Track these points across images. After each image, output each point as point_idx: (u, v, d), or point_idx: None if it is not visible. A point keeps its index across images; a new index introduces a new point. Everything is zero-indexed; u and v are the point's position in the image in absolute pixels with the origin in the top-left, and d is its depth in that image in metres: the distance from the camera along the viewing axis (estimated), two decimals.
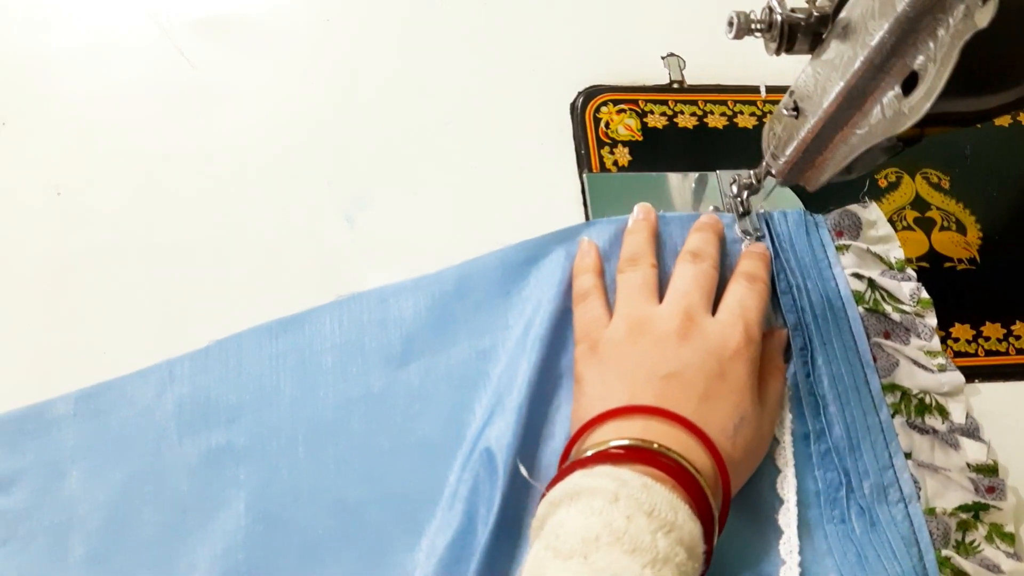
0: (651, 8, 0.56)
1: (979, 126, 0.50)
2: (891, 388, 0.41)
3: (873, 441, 0.40)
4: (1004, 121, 0.52)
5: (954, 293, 0.45)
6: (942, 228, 0.48)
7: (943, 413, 0.42)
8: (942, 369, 0.42)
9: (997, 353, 0.44)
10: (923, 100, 0.27)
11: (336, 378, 0.41)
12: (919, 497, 0.39)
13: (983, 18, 0.23)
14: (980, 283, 0.46)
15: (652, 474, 0.31)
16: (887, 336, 0.43)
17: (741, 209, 0.45)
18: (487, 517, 0.36)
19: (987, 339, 0.44)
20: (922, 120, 0.27)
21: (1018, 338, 0.45)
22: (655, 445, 0.32)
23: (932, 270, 0.46)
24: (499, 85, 0.53)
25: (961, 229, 0.48)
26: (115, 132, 0.50)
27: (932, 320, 0.43)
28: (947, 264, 0.47)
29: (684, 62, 0.54)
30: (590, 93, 0.51)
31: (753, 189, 0.43)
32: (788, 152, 0.36)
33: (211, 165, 0.48)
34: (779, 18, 0.32)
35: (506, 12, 0.56)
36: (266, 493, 0.38)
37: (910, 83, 0.27)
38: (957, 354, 0.44)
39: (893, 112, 0.29)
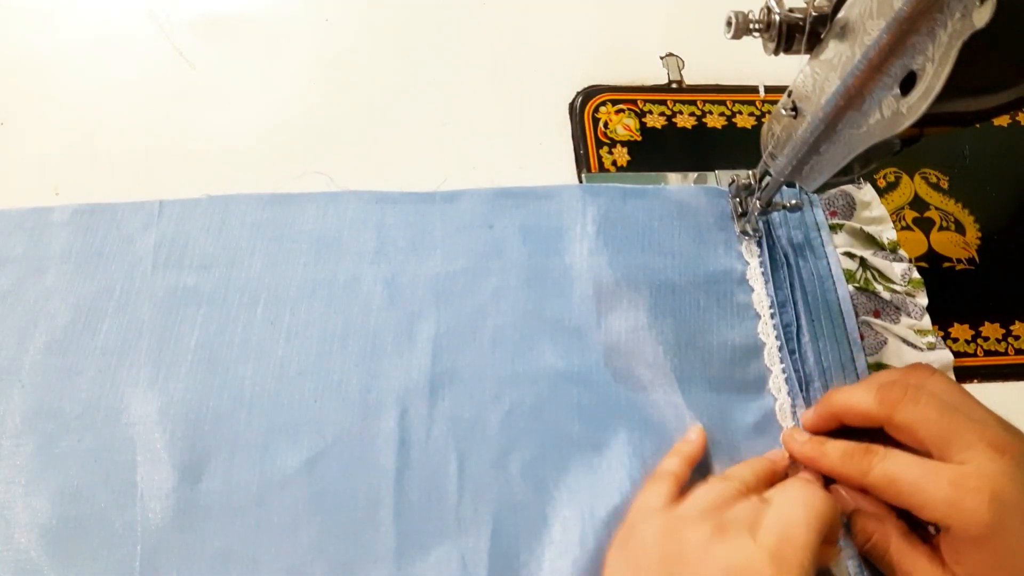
0: (650, 8, 0.56)
1: (978, 126, 0.50)
2: (877, 366, 0.42)
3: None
4: (1003, 121, 0.52)
5: (953, 293, 0.45)
6: (941, 228, 0.48)
7: None
8: (931, 347, 0.43)
9: (996, 353, 0.44)
10: (921, 100, 0.27)
11: (308, 258, 0.44)
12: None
13: (981, 18, 0.23)
14: (979, 283, 0.46)
15: None
16: (877, 315, 0.44)
17: (740, 209, 0.45)
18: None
19: (986, 339, 0.44)
20: (921, 120, 0.27)
21: (1017, 338, 0.45)
22: None
23: (931, 270, 0.46)
24: (498, 85, 0.53)
25: (960, 229, 0.48)
26: (114, 131, 0.50)
27: (923, 300, 0.44)
28: (946, 264, 0.47)
29: (683, 62, 0.54)
30: (589, 93, 0.51)
31: (752, 189, 0.43)
32: (787, 152, 0.36)
33: (210, 164, 0.48)
34: (777, 18, 0.32)
35: (505, 12, 0.56)
36: (217, 339, 0.41)
37: (908, 83, 0.27)
38: (956, 354, 0.44)
39: (891, 112, 0.29)
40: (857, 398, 0.37)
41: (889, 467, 0.34)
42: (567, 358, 0.41)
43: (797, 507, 0.33)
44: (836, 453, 0.36)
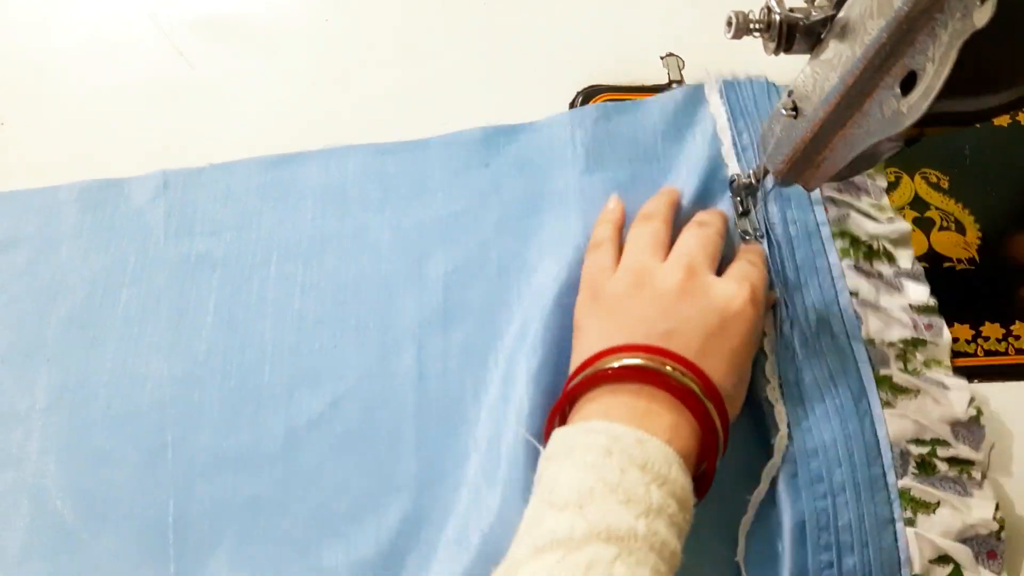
0: (650, 8, 0.56)
1: (978, 126, 0.50)
2: (841, 234, 0.44)
3: (821, 281, 0.42)
4: (1003, 121, 0.52)
5: (953, 293, 0.45)
6: (941, 228, 0.48)
7: (890, 258, 0.44)
8: (891, 221, 0.45)
9: (996, 353, 0.44)
10: (921, 100, 0.27)
11: (315, 213, 0.45)
12: (861, 330, 0.41)
13: (981, 18, 0.23)
14: (979, 283, 0.46)
15: (653, 399, 0.33)
16: (839, 191, 0.46)
17: (740, 209, 0.45)
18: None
19: (986, 339, 0.44)
20: (921, 120, 0.27)
21: (1017, 338, 0.45)
22: (667, 368, 0.33)
23: (931, 270, 0.46)
24: (499, 85, 0.53)
25: (960, 229, 0.48)
26: (114, 131, 0.50)
27: (883, 183, 0.47)
28: (946, 264, 0.47)
29: (683, 62, 0.54)
30: (589, 93, 0.51)
31: (751, 189, 0.43)
32: (786, 152, 0.36)
33: (210, 164, 0.48)
34: (778, 18, 0.32)
35: (506, 12, 0.56)
36: (235, 299, 0.43)
37: (908, 83, 0.27)
38: (956, 354, 0.44)
39: (892, 112, 0.29)
40: None
41: None
42: (569, 271, 0.42)
43: (754, 268, 0.39)
44: None
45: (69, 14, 0.54)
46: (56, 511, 0.38)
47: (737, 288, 0.37)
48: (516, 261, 0.44)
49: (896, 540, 0.37)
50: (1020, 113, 0.51)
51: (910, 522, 0.37)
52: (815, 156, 0.35)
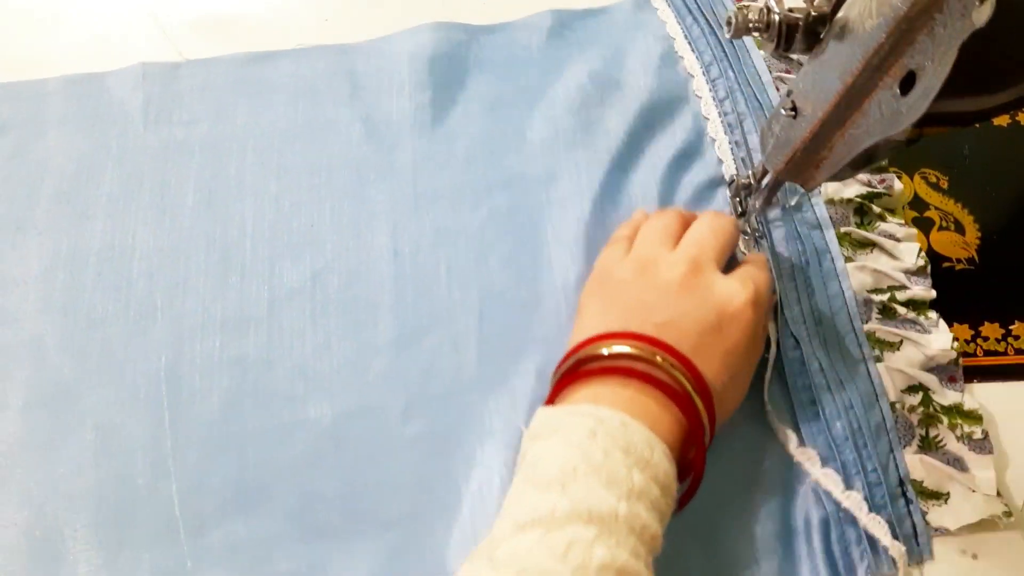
0: None
1: (977, 126, 0.50)
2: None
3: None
4: (1003, 121, 0.52)
5: (953, 293, 0.45)
6: (940, 228, 0.48)
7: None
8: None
9: (996, 353, 0.44)
10: (921, 100, 0.27)
11: (288, 108, 0.48)
12: (820, 192, 0.45)
13: (980, 17, 0.23)
14: (979, 283, 0.46)
15: (642, 388, 0.33)
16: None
17: (740, 209, 0.45)
18: None
19: (986, 339, 0.44)
20: (921, 120, 0.27)
21: (1017, 338, 0.45)
22: (657, 358, 0.33)
23: (931, 270, 0.46)
24: None
25: (960, 229, 0.48)
26: None
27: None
28: (946, 264, 0.46)
29: None
30: None
31: (751, 189, 0.43)
32: (786, 152, 0.36)
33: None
34: (777, 18, 0.32)
35: (505, 12, 0.55)
36: (214, 182, 0.45)
37: (908, 83, 0.27)
38: None
39: (891, 112, 0.29)
40: None
41: None
42: (534, 164, 0.46)
43: (762, 271, 0.39)
44: None
45: (69, 13, 0.54)
46: (55, 366, 0.40)
47: (739, 287, 0.36)
48: (482, 151, 0.47)
49: (870, 375, 0.41)
50: (1020, 113, 0.51)
51: (878, 359, 0.42)
52: (815, 156, 0.35)
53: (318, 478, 0.38)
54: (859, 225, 0.46)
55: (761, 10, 0.32)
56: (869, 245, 0.45)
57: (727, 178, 0.46)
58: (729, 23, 0.33)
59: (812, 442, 0.39)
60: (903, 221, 0.46)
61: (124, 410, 0.39)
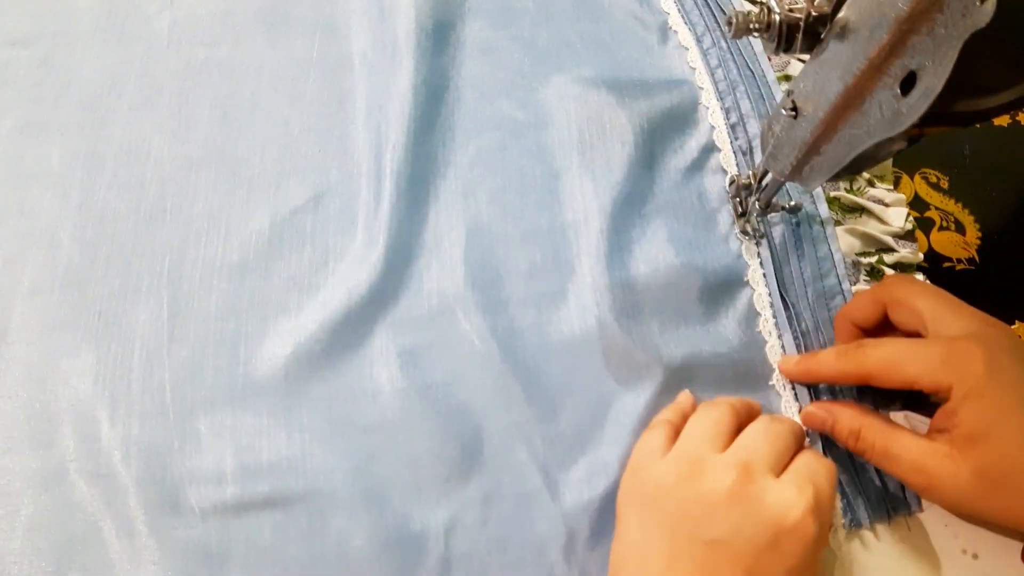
0: None
1: (978, 126, 0.50)
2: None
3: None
4: (1003, 121, 0.52)
5: (953, 293, 0.45)
6: (941, 228, 0.48)
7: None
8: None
9: None
10: (921, 100, 0.26)
11: (305, 40, 0.50)
12: None
13: (981, 18, 0.23)
14: (979, 283, 0.46)
15: None
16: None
17: (740, 209, 0.45)
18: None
19: None
20: (921, 120, 0.27)
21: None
22: None
23: (931, 270, 0.46)
24: None
25: (960, 229, 0.48)
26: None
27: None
28: (946, 264, 0.46)
29: None
30: None
31: (752, 189, 0.43)
32: (786, 152, 0.36)
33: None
34: (777, 18, 0.32)
35: None
36: (229, 100, 0.48)
37: (908, 83, 0.27)
38: None
39: (891, 112, 0.29)
40: (856, 300, 0.39)
41: (885, 349, 0.35)
42: (524, 108, 0.48)
43: (821, 465, 0.34)
44: (830, 356, 0.37)
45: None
46: (66, 255, 0.43)
47: (796, 496, 0.32)
48: (472, 94, 0.49)
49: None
50: (1020, 113, 0.51)
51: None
52: (815, 156, 0.35)
53: (304, 381, 0.40)
54: (848, 190, 0.47)
55: (761, 10, 0.32)
56: (858, 209, 0.46)
57: (727, 178, 0.46)
58: (730, 23, 0.33)
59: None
60: (891, 187, 0.47)
61: (127, 300, 0.42)
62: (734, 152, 0.47)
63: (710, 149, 0.47)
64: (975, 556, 0.38)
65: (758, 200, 0.43)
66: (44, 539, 0.37)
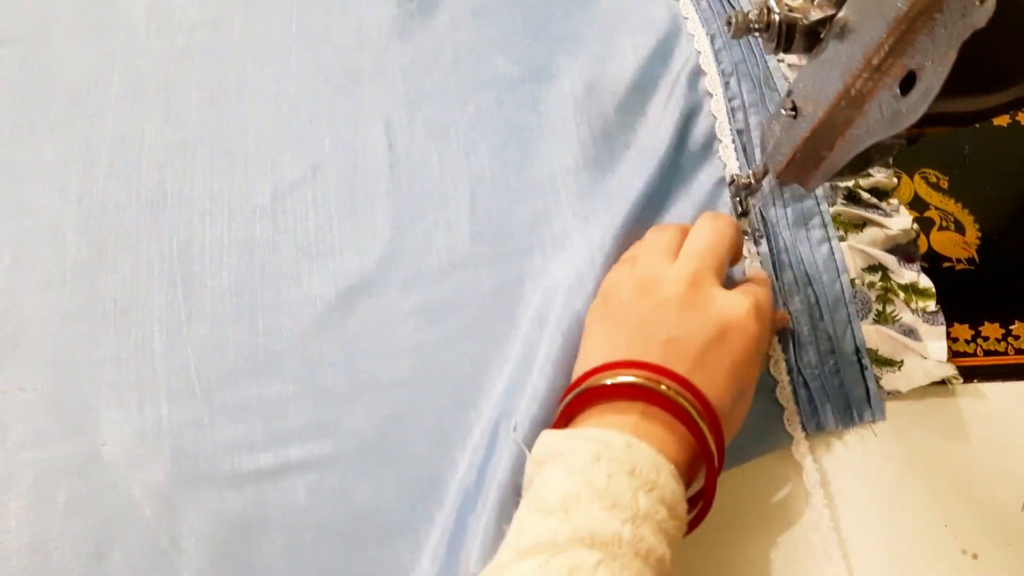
0: None
1: (978, 126, 0.50)
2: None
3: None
4: (1003, 121, 0.52)
5: (953, 293, 0.45)
6: (941, 228, 0.48)
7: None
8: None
9: (996, 353, 0.44)
10: (921, 100, 0.27)
11: (283, 18, 0.51)
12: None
13: (981, 18, 0.23)
14: (979, 283, 0.46)
15: (647, 413, 0.33)
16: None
17: (740, 209, 0.45)
18: None
19: (986, 339, 0.44)
20: (921, 120, 0.27)
21: (1017, 338, 0.45)
22: (662, 386, 0.33)
23: (931, 270, 0.46)
24: None
25: (960, 229, 0.48)
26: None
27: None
28: (946, 264, 0.46)
29: None
30: None
31: (751, 189, 0.43)
32: (786, 152, 0.36)
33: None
34: (777, 18, 0.32)
35: None
36: (215, 84, 0.48)
37: (908, 83, 0.27)
38: (956, 354, 0.44)
39: (891, 112, 0.29)
40: None
41: None
42: (518, 64, 0.49)
43: (764, 287, 0.39)
44: None
45: None
46: (72, 249, 0.44)
47: (740, 300, 0.36)
48: (468, 55, 0.50)
49: (832, 253, 0.44)
50: (1020, 113, 0.51)
51: (842, 239, 0.44)
52: (815, 156, 0.35)
53: (324, 346, 0.42)
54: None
55: (761, 10, 0.32)
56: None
57: (727, 178, 0.46)
58: (729, 23, 0.33)
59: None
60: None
61: (140, 286, 0.43)
62: (743, 186, 0.45)
63: (705, 95, 0.48)
64: (975, 556, 0.38)
65: (758, 200, 0.43)
66: (83, 523, 0.38)
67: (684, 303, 0.36)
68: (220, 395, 0.40)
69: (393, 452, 0.40)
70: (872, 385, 0.41)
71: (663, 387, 0.33)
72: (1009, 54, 0.28)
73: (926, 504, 0.40)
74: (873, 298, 0.44)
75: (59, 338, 0.41)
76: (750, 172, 0.43)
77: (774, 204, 0.45)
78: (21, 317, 0.42)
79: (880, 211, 0.46)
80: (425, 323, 0.42)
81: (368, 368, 0.41)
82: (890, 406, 0.42)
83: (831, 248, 0.44)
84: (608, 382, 0.34)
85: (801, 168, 0.37)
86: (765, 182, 0.42)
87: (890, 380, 0.42)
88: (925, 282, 0.44)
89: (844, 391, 0.41)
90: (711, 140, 0.47)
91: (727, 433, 0.35)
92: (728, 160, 0.46)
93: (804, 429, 0.41)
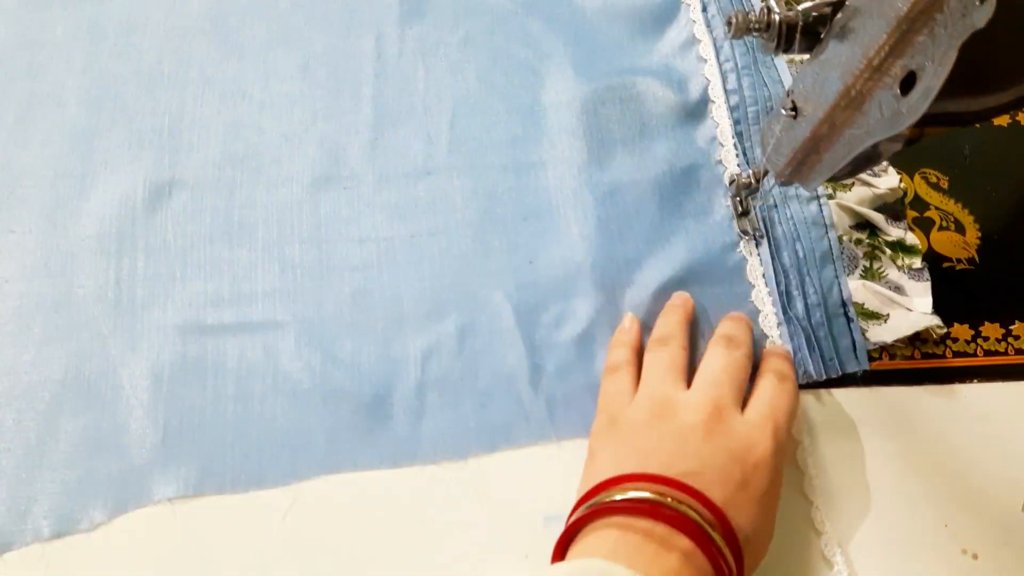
0: None
1: (978, 126, 0.50)
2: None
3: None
4: (1003, 121, 0.51)
5: (953, 293, 0.45)
6: (941, 228, 0.48)
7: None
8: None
9: (996, 353, 0.44)
10: (921, 100, 0.26)
11: None
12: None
13: (981, 18, 0.23)
14: (979, 283, 0.46)
15: (664, 536, 0.30)
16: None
17: (740, 209, 0.45)
18: None
19: (986, 339, 0.44)
20: (921, 120, 0.27)
21: (1017, 338, 0.45)
22: (668, 499, 0.31)
23: (931, 270, 0.46)
24: None
25: (960, 229, 0.48)
26: None
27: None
28: (946, 264, 0.46)
29: None
30: None
31: (752, 189, 0.43)
32: (786, 152, 0.36)
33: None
34: (777, 18, 0.32)
35: None
36: (220, 71, 0.50)
37: (908, 83, 0.27)
38: (956, 354, 0.44)
39: (892, 112, 0.29)
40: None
41: None
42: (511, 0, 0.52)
43: (781, 395, 0.37)
44: None
45: None
46: (72, 112, 0.48)
47: (760, 435, 0.34)
48: None
49: (821, 209, 0.45)
50: (1020, 113, 0.51)
51: (830, 196, 0.46)
52: (815, 156, 0.35)
53: (295, 223, 0.45)
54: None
55: (761, 10, 0.32)
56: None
57: (728, 178, 0.46)
58: (729, 23, 0.33)
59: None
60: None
61: (131, 152, 0.46)
62: (743, 186, 0.46)
63: (693, 42, 0.50)
64: (975, 556, 0.38)
65: (758, 200, 0.43)
66: (53, 352, 0.42)
67: (706, 433, 0.34)
68: (193, 254, 0.44)
69: (350, 326, 0.42)
70: (858, 336, 0.42)
71: (669, 500, 0.31)
72: (1009, 54, 0.28)
73: (926, 504, 0.40)
74: (860, 255, 0.45)
75: (53, 190, 0.45)
76: (750, 172, 0.43)
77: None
78: (20, 168, 0.46)
79: (869, 171, 0.47)
80: (395, 218, 0.45)
81: (336, 249, 0.44)
82: (890, 406, 0.42)
83: (819, 205, 0.45)
84: (620, 496, 0.32)
85: (801, 168, 0.37)
86: (765, 182, 0.42)
87: (876, 332, 0.43)
88: (912, 239, 0.45)
89: (830, 342, 0.42)
90: (704, 100, 0.48)
91: (750, 558, 0.32)
92: (728, 162, 0.46)
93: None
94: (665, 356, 0.38)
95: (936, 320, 0.43)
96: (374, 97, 0.48)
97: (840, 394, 0.42)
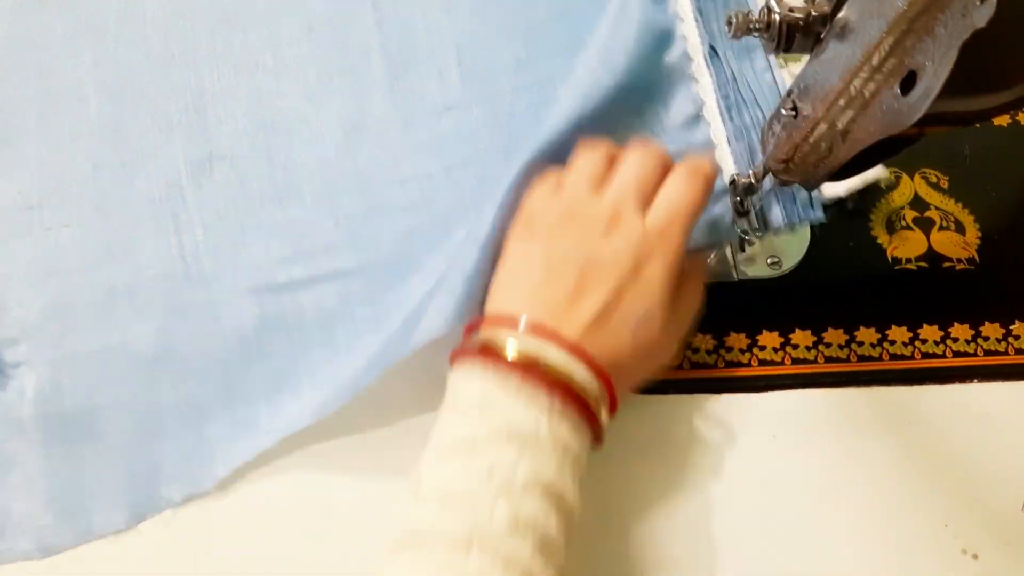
0: None
1: (978, 126, 0.50)
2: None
3: None
4: (1003, 121, 0.52)
5: (953, 293, 0.45)
6: (941, 228, 0.48)
7: None
8: None
9: (996, 353, 0.44)
10: (921, 100, 0.26)
11: None
12: None
13: (981, 18, 0.23)
14: (979, 283, 0.46)
15: (531, 386, 0.33)
16: None
17: (740, 208, 0.45)
18: None
19: (986, 339, 0.44)
20: (921, 120, 0.27)
21: (1017, 338, 0.45)
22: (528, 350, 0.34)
23: (931, 270, 0.46)
24: None
25: (960, 229, 0.48)
26: None
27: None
28: (946, 264, 0.46)
29: None
30: None
31: (752, 189, 0.43)
32: (786, 152, 0.36)
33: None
34: (777, 18, 0.32)
35: None
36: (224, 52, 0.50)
37: (908, 83, 0.27)
38: (956, 354, 0.44)
39: (892, 112, 0.29)
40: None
41: None
42: None
43: (684, 192, 0.38)
44: None
45: None
46: (95, 104, 0.48)
47: (657, 230, 0.37)
48: None
49: (775, 79, 0.46)
50: (1020, 113, 0.51)
51: (783, 67, 0.47)
52: (815, 156, 0.35)
53: (338, 176, 0.46)
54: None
55: (761, 10, 0.32)
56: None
57: (727, 178, 0.46)
58: (729, 23, 0.33)
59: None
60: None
61: (162, 135, 0.47)
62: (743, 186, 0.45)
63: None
64: (975, 556, 0.38)
65: (758, 200, 0.43)
66: (141, 330, 0.43)
67: (604, 233, 0.37)
68: (248, 219, 0.45)
69: (412, 263, 0.44)
70: (815, 192, 0.44)
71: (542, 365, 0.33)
72: (1009, 54, 0.28)
73: (926, 504, 0.40)
74: None
75: (93, 183, 0.46)
76: (750, 172, 0.43)
77: (722, 43, 0.48)
78: (56, 167, 0.47)
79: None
80: (428, 156, 0.47)
81: (381, 193, 0.46)
82: (890, 405, 0.42)
83: (773, 76, 0.46)
84: (506, 350, 0.34)
85: (801, 168, 0.37)
86: (765, 182, 0.42)
87: (829, 188, 0.46)
88: None
89: (790, 194, 0.44)
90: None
91: (623, 375, 0.36)
92: (726, 162, 0.46)
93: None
94: (589, 161, 0.40)
95: (885, 172, 0.46)
96: (382, 46, 0.49)
97: (840, 394, 0.42)
